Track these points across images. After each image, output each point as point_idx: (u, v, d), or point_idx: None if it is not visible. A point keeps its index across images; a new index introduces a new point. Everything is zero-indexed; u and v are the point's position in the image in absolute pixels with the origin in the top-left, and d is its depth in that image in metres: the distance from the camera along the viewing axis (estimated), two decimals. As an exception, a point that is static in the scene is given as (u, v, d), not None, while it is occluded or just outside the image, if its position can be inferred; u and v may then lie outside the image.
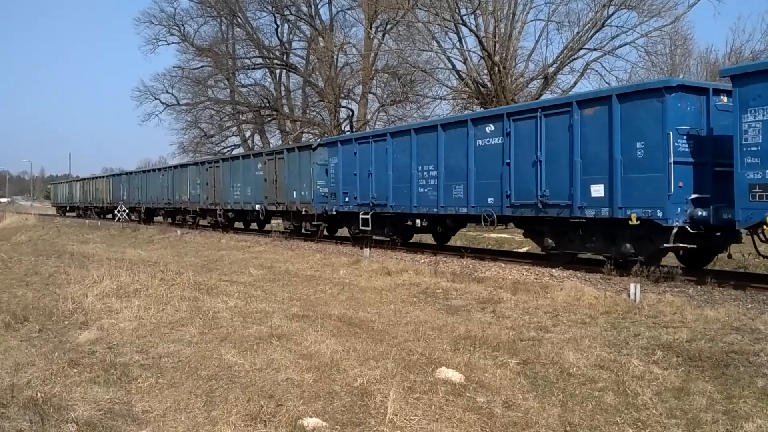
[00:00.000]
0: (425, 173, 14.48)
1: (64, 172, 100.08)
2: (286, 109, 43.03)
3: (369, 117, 38.35)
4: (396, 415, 4.44)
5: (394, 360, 5.76)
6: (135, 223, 32.40)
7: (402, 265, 12.11)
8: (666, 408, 4.70)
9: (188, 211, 28.78)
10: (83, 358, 6.01)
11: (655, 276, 9.83)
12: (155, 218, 34.53)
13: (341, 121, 38.63)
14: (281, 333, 6.83)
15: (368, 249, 15.03)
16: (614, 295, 8.53)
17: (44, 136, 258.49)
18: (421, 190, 14.57)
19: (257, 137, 45.61)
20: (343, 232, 19.86)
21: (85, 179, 46.52)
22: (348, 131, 36.82)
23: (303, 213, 19.40)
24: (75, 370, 5.58)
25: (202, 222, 28.61)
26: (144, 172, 35.48)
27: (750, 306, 7.90)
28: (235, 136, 46.57)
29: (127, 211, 36.69)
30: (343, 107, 39.22)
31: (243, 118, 45.11)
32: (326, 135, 35.52)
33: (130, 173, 37.58)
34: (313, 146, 19.27)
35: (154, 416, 4.58)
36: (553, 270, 11.36)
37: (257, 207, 22.36)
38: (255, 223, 25.60)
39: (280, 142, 41.49)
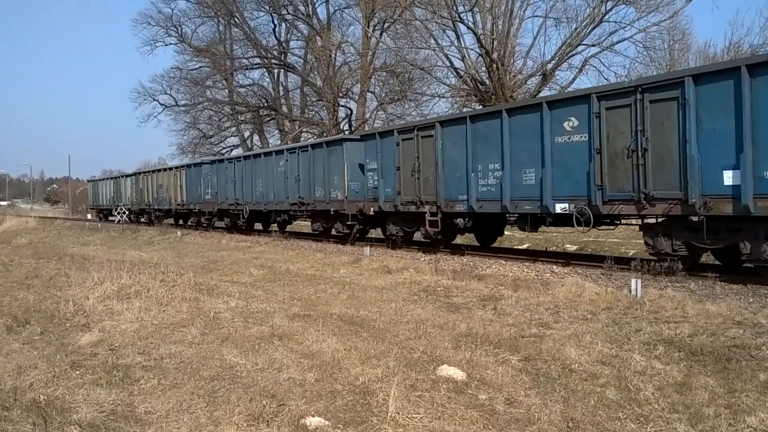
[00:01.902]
0: None
1: (63, 175, 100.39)
2: (284, 109, 43.04)
3: (368, 116, 38.37)
4: (398, 413, 4.44)
5: (395, 358, 5.77)
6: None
7: (402, 264, 12.10)
8: (668, 403, 4.71)
9: (342, 215, 17.74)
10: (85, 360, 6.02)
11: (656, 271, 9.83)
12: (255, 225, 24.27)
13: (340, 120, 38.63)
14: (282, 333, 6.83)
15: (368, 248, 15.02)
16: (615, 290, 8.53)
17: (44, 138, 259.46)
18: None
19: (256, 137, 45.71)
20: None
21: (140, 173, 35.67)
22: (347, 131, 36.76)
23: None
24: (77, 373, 5.58)
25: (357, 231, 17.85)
26: (247, 157, 23.91)
27: (751, 300, 7.90)
28: (234, 136, 46.79)
29: (127, 212, 36.37)
30: (342, 106, 39.24)
31: (242, 119, 45.17)
32: (325, 134, 35.43)
33: (221, 161, 26.06)
34: None
35: (157, 417, 4.58)
36: (554, 266, 11.36)
37: (571, 208, 10.82)
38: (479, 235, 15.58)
39: (279, 142, 41.46)
